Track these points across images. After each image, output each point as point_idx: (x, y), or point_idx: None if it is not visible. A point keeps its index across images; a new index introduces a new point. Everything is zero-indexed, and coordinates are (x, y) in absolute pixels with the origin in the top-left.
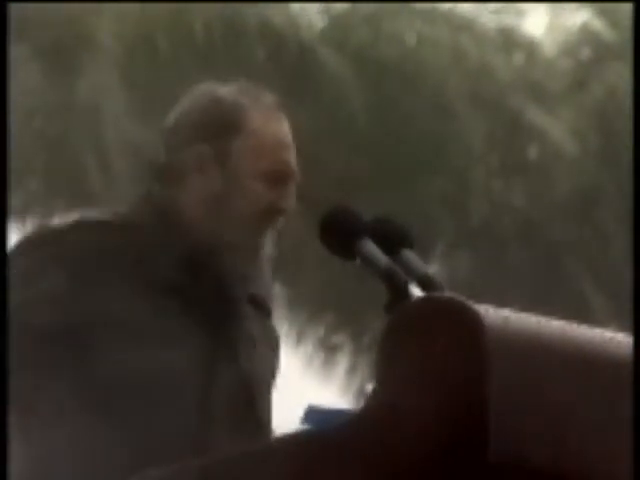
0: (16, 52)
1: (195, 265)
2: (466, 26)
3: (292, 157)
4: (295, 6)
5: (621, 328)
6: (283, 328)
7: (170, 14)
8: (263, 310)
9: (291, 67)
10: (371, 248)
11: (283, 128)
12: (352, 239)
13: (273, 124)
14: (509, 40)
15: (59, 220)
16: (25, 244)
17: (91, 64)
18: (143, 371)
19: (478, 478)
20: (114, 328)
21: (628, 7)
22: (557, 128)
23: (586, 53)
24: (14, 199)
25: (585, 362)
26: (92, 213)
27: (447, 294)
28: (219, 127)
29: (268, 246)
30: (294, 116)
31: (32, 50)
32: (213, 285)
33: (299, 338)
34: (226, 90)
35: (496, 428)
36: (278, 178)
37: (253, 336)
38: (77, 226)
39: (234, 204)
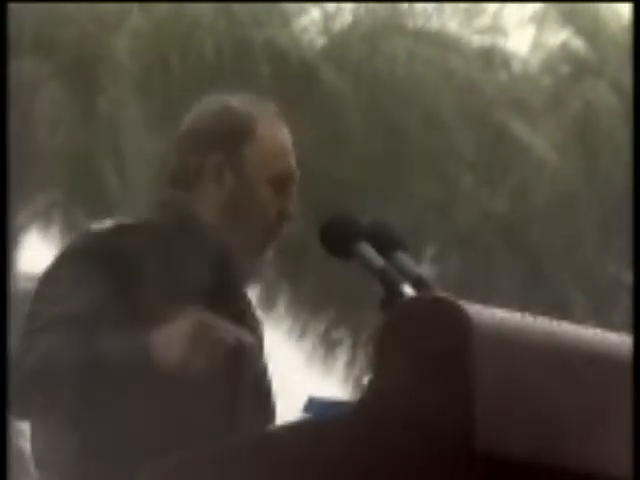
0: (40, 70)
1: (216, 269)
2: (454, 45)
3: (294, 162)
4: (297, 26)
5: (599, 324)
6: (287, 324)
7: (182, 33)
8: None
9: (294, 82)
10: (368, 251)
11: (286, 135)
12: (350, 242)
13: (278, 131)
14: (494, 58)
15: (98, 226)
16: (72, 249)
17: (110, 80)
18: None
19: (465, 467)
20: (151, 325)
21: (607, 27)
22: (539, 140)
23: (565, 70)
24: (37, 206)
25: (567, 357)
26: (127, 219)
27: (437, 293)
28: (232, 135)
29: (275, 244)
30: (296, 128)
31: (55, 68)
32: (232, 288)
33: (302, 333)
34: (236, 100)
35: (482, 419)
36: (285, 182)
37: (252, 329)
38: (117, 230)
39: (247, 209)
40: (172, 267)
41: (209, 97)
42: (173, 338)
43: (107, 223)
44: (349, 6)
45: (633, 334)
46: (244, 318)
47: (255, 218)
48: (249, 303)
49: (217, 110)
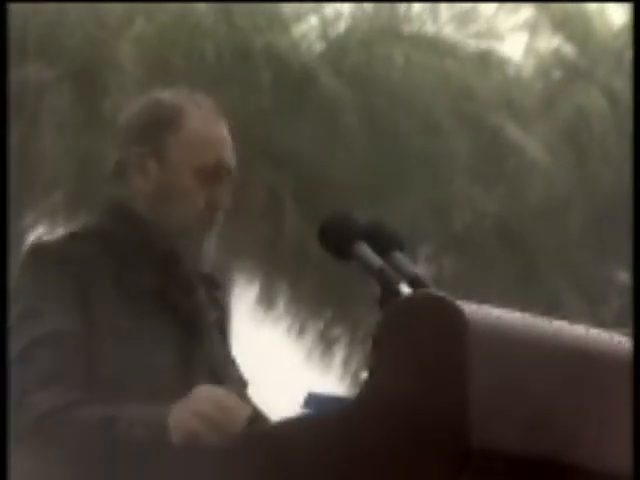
0: (46, 74)
1: (163, 270)
2: (450, 50)
3: (228, 156)
4: (297, 31)
5: (590, 323)
6: (286, 322)
7: (185, 39)
8: (213, 285)
9: (293, 86)
10: (365, 250)
11: (220, 128)
12: (348, 242)
13: (210, 124)
14: (489, 63)
15: (53, 234)
16: (31, 258)
17: (114, 84)
18: (131, 366)
19: (459, 462)
20: (108, 329)
21: (597, 33)
22: (532, 142)
23: (557, 75)
24: (43, 207)
25: (560, 354)
26: (77, 226)
27: (433, 292)
28: (156, 126)
29: (211, 235)
30: (295, 130)
31: (60, 73)
32: (180, 287)
33: (301, 331)
34: (167, 94)
35: (477, 416)
36: (212, 174)
37: (209, 320)
38: (69, 238)
39: (173, 197)
40: (121, 275)
41: (147, 94)
42: (190, 417)
43: (59, 232)
44: (347, 12)
45: (633, 334)
46: (199, 311)
47: (182, 206)
48: (211, 281)
49: (145, 104)
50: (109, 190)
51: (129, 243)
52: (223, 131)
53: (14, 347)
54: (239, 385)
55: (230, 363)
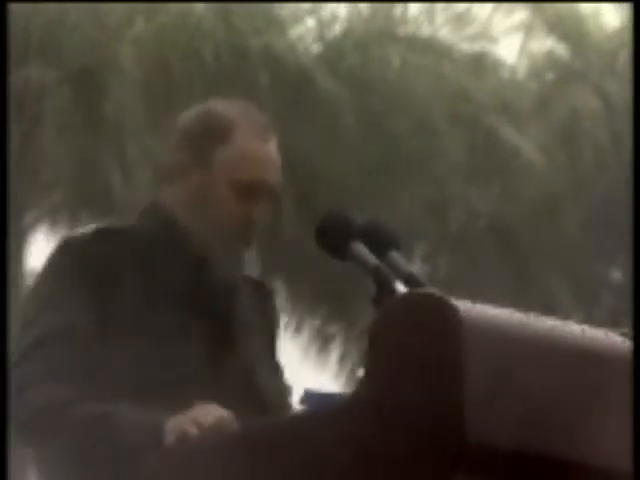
0: (47, 76)
1: (196, 272)
2: (445, 52)
3: (271, 174)
4: (294, 33)
5: (583, 321)
6: (283, 320)
7: (184, 41)
8: (263, 291)
9: (290, 88)
10: (361, 249)
11: (268, 147)
12: (345, 241)
13: (258, 142)
14: (484, 64)
15: (81, 230)
16: (56, 253)
17: (114, 86)
18: (158, 365)
19: (455, 458)
20: (132, 327)
21: (590, 35)
22: (526, 143)
23: (551, 76)
24: (45, 207)
25: (554, 351)
26: (109, 224)
27: (429, 290)
28: (205, 136)
29: (248, 249)
30: (293, 131)
31: (61, 74)
32: (213, 289)
33: (297, 328)
34: (222, 105)
35: (472, 412)
36: (251, 190)
37: (251, 324)
38: (97, 235)
39: (211, 209)
40: (152, 275)
41: (207, 101)
42: (188, 423)
43: (89, 228)
44: (343, 14)
45: (633, 334)
46: (236, 314)
47: (218, 219)
48: (260, 289)
49: (201, 113)
50: (155, 194)
51: (162, 244)
52: (270, 150)
53: (25, 339)
54: (277, 393)
55: (272, 370)
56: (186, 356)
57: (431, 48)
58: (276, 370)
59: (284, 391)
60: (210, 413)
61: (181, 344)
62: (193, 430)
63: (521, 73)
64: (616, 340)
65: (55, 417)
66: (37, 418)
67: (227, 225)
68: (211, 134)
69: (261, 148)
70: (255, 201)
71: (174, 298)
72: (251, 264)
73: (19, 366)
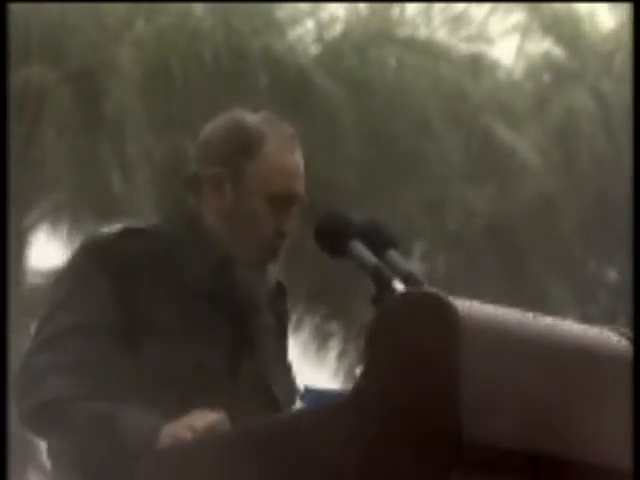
0: (48, 77)
1: (219, 274)
2: (442, 53)
3: (300, 185)
4: (293, 35)
5: (579, 319)
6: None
7: (183, 42)
8: (280, 290)
9: (289, 88)
10: (360, 249)
11: (295, 158)
12: (343, 240)
13: (287, 153)
14: (480, 65)
15: (107, 229)
16: (80, 251)
17: (114, 87)
18: (179, 364)
19: (451, 455)
20: (153, 327)
21: (586, 36)
22: (522, 143)
23: (547, 78)
24: (45, 207)
25: (551, 349)
26: (134, 223)
27: (427, 289)
28: (237, 150)
29: (276, 260)
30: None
31: (62, 75)
32: (235, 291)
33: (297, 326)
34: (250, 117)
35: (469, 409)
36: (283, 202)
37: (269, 326)
38: (123, 234)
39: (243, 220)
40: (175, 275)
41: (231, 111)
42: (183, 428)
43: (115, 227)
44: (342, 16)
45: (633, 334)
46: (256, 318)
47: (251, 232)
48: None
49: (230, 124)
50: (179, 198)
51: (187, 245)
52: (299, 161)
53: (43, 332)
54: (290, 395)
55: (284, 371)
56: (205, 358)
57: (429, 49)
58: (289, 372)
59: (294, 393)
60: (204, 418)
61: (201, 345)
62: (187, 435)
63: (518, 74)
64: (613, 339)
65: (59, 411)
66: (43, 409)
67: (260, 236)
68: (242, 148)
69: (291, 160)
70: (287, 213)
71: (197, 299)
72: (271, 278)
73: (33, 356)
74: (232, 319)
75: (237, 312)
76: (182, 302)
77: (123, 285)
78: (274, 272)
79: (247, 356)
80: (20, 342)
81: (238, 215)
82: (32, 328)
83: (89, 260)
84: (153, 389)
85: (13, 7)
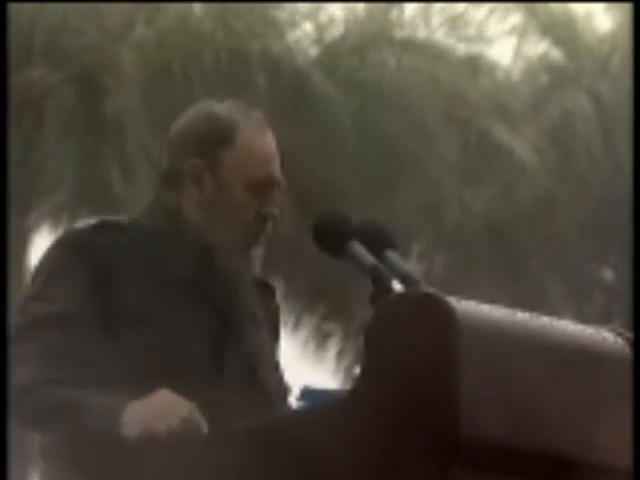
0: (50, 78)
1: (200, 262)
2: (440, 55)
3: (277, 168)
4: (292, 37)
5: (575, 319)
6: (282, 317)
7: (183, 44)
8: (267, 289)
9: (288, 90)
10: (359, 249)
11: (269, 142)
12: (342, 241)
13: (261, 138)
14: (478, 67)
15: (82, 223)
16: (55, 245)
17: (115, 88)
18: (161, 351)
19: (450, 453)
20: (133, 315)
21: (583, 39)
22: (519, 144)
23: (545, 79)
24: (47, 207)
25: (549, 349)
26: (110, 218)
27: (425, 289)
28: (213, 140)
29: (259, 244)
30: (290, 132)
31: (64, 76)
32: (216, 278)
33: (295, 326)
34: (221, 107)
35: (468, 409)
36: (263, 187)
37: (256, 317)
38: (97, 227)
39: (225, 210)
40: (154, 264)
41: (199, 103)
42: (143, 413)
43: (90, 221)
44: (340, 18)
45: (633, 334)
46: (241, 306)
47: (233, 219)
48: (267, 288)
49: (201, 116)
50: (157, 193)
51: (166, 234)
52: (272, 144)
53: (14, 326)
54: (278, 385)
55: (272, 366)
56: (188, 343)
57: (427, 51)
58: (277, 367)
59: (284, 388)
60: (175, 407)
61: (184, 331)
62: (162, 429)
63: (515, 75)
64: (609, 338)
65: (24, 398)
66: (24, 395)
67: (241, 224)
68: (217, 138)
69: (265, 144)
70: (268, 197)
71: (178, 286)
72: (254, 262)
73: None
74: (215, 304)
75: (220, 297)
76: (163, 290)
77: (99, 276)
78: (258, 259)
79: (232, 341)
80: None
81: (220, 204)
82: None
83: (64, 253)
84: (135, 377)
85: (16, 9)
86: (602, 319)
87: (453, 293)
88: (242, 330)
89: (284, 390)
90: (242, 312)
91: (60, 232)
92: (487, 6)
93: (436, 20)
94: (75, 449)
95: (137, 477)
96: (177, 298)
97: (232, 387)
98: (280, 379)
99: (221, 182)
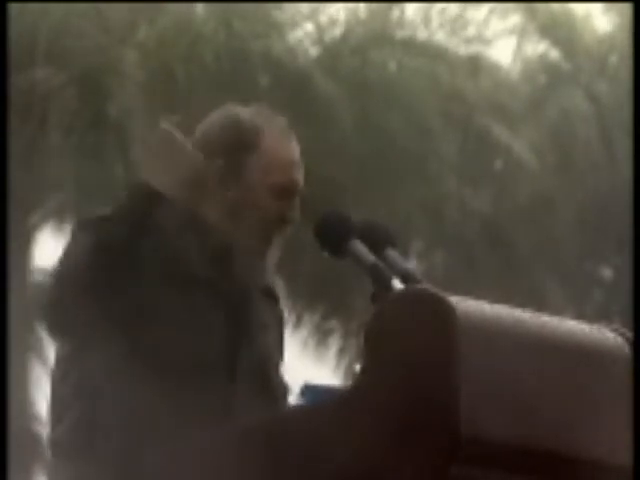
0: (54, 79)
1: (218, 263)
2: (440, 55)
3: (299, 174)
4: (293, 37)
5: (574, 317)
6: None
7: (185, 45)
8: (273, 298)
9: (289, 90)
10: (359, 247)
11: (293, 148)
12: (343, 240)
13: (284, 144)
14: (478, 67)
15: (103, 215)
16: (76, 229)
17: (118, 89)
18: (177, 350)
19: (450, 449)
20: (151, 313)
21: (582, 39)
22: (518, 144)
23: (543, 79)
24: (50, 206)
25: (547, 346)
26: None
27: (425, 287)
28: (237, 145)
29: (276, 248)
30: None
31: (67, 77)
32: (232, 280)
33: (296, 324)
34: (245, 112)
35: (466, 405)
36: (285, 192)
37: (265, 322)
38: (121, 223)
39: (246, 213)
40: (173, 263)
41: (225, 107)
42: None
43: (112, 215)
44: (341, 18)
45: (633, 334)
46: (253, 310)
47: (254, 222)
48: (272, 296)
49: (227, 121)
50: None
51: (188, 236)
52: (295, 150)
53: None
54: (282, 392)
55: (278, 370)
56: (204, 342)
57: (427, 51)
58: (279, 369)
59: (285, 391)
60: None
61: (200, 331)
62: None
63: (514, 75)
64: (608, 336)
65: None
66: None
67: (261, 226)
68: (242, 143)
69: (289, 150)
70: (289, 202)
71: (195, 286)
72: (271, 268)
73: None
74: (230, 307)
75: (236, 301)
76: (180, 289)
77: (119, 273)
78: (273, 264)
79: (245, 345)
80: (22, 340)
81: (242, 207)
82: (35, 327)
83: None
84: (150, 374)
85: (19, 11)
86: (601, 318)
87: (452, 291)
88: (255, 334)
89: (285, 391)
90: (255, 317)
91: (77, 225)
92: (487, 6)
93: (436, 20)
94: (85, 442)
95: (144, 471)
96: (194, 297)
97: (245, 389)
98: (281, 380)
99: (243, 185)
